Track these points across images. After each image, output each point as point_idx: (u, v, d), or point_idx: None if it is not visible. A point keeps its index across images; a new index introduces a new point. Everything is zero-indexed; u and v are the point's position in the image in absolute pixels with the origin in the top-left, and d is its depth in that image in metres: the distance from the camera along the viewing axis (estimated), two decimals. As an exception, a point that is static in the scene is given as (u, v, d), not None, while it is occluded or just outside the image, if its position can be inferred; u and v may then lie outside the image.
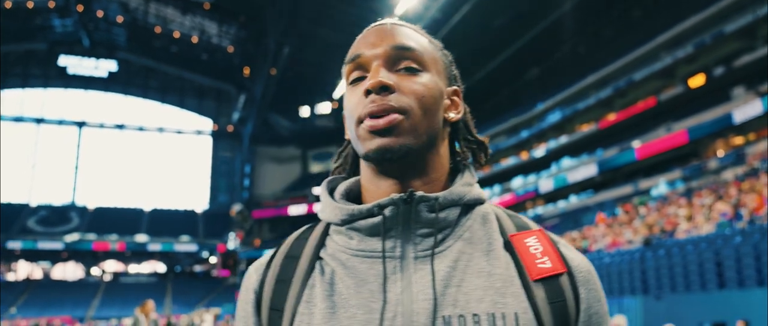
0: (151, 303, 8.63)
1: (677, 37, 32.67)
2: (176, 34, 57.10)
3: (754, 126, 27.92)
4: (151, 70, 62.79)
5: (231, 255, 56.81)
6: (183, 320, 31.58)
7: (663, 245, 14.32)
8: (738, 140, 29.42)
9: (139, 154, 65.08)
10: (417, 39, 0.86)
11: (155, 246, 55.38)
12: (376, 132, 0.78)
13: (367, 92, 0.80)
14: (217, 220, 60.36)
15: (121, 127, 63.91)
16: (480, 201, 0.87)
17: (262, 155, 63.94)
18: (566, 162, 38.98)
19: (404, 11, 36.27)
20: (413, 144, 0.79)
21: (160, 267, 59.86)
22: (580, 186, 37.75)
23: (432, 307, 0.74)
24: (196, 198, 66.12)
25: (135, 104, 64.75)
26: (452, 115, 0.89)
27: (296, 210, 57.93)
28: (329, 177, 0.94)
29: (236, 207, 24.34)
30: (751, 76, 28.22)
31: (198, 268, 60.82)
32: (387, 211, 0.79)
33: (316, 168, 64.90)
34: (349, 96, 0.85)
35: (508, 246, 0.83)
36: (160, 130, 65.39)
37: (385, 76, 0.80)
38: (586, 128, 38.43)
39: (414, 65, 0.83)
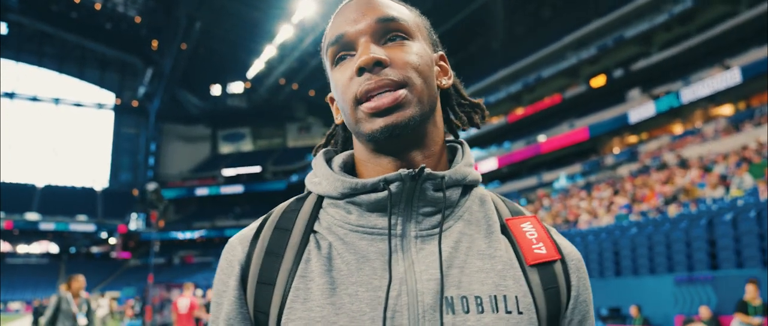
0: (80, 279, 7.16)
1: (582, 39, 34.61)
2: None
3: (647, 126, 30.23)
4: (46, 35, 58.17)
5: (132, 236, 54.31)
6: (52, 300, 29.87)
7: (566, 235, 15.25)
8: (632, 139, 31.74)
9: (32, 125, 60.44)
10: (397, 8, 0.82)
11: (48, 226, 51.88)
12: (379, 112, 0.74)
13: (360, 70, 0.75)
14: (118, 199, 57.37)
15: (11, 95, 58.97)
16: (477, 183, 0.85)
17: (169, 133, 61.42)
18: (475, 153, 40.32)
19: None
20: (419, 115, 0.76)
21: (53, 248, 56.18)
22: (488, 178, 39.25)
23: (437, 287, 0.73)
24: (95, 175, 62.52)
25: (28, 72, 59.92)
26: (444, 82, 0.87)
27: (204, 191, 56.25)
28: (323, 149, 0.91)
29: (151, 186, 23.06)
30: (646, 79, 30.46)
31: (96, 249, 57.61)
32: (393, 187, 0.75)
33: (226, 148, 63.20)
34: (338, 77, 0.79)
35: (505, 230, 0.83)
36: (56, 101, 61.00)
37: (376, 51, 0.76)
38: (496, 121, 39.94)
39: (402, 35, 0.79)
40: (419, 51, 0.79)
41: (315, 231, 0.80)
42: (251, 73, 55.60)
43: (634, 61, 31.35)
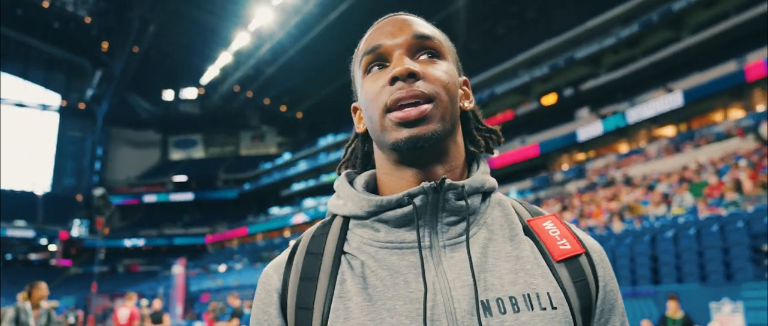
0: (42, 288, 6.41)
1: (535, 58, 35.57)
2: (23, -4, 51.34)
3: (595, 144, 31.22)
4: (-11, 33, 55.77)
5: (74, 243, 52.31)
6: (9, 312, 28.51)
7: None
8: (580, 156, 32.70)
9: (-31, 125, 57.66)
10: (432, 28, 0.87)
11: (-18, 231, 49.47)
12: (406, 123, 0.77)
13: (393, 80, 0.79)
14: (60, 204, 55.19)
15: (-53, 93, 56.16)
16: (494, 190, 0.89)
17: (117, 137, 59.68)
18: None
19: None
20: (441, 130, 0.79)
21: (-13, 255, 53.49)
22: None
23: (472, 293, 0.76)
24: (37, 179, 60.04)
25: (-33, 69, 57.25)
26: (467, 104, 0.91)
27: (152, 198, 54.79)
28: (344, 172, 0.93)
29: (98, 191, 22.35)
30: (594, 99, 31.52)
31: (34, 256, 55.12)
32: (417, 200, 0.79)
33: (176, 155, 61.82)
34: (369, 85, 0.83)
35: (528, 231, 0.86)
36: (-3, 100, 58.41)
37: (410, 64, 0.79)
38: (450, 135, 40.38)
39: (434, 52, 0.84)
40: (448, 70, 0.84)
41: (345, 253, 0.83)
42: (205, 79, 54.69)
43: (583, 81, 32.42)
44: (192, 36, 49.93)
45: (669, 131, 28.60)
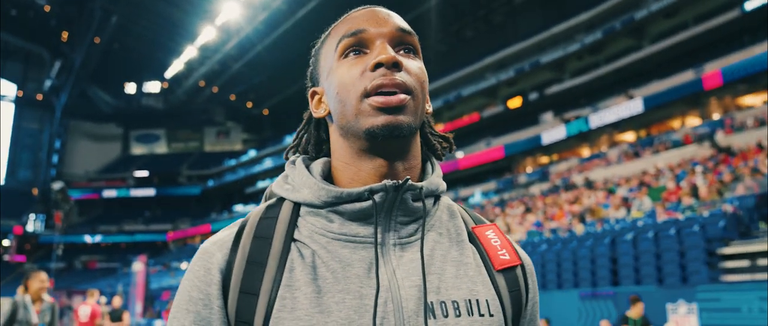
0: (41, 278, 5.46)
1: (501, 61, 36.02)
2: (-21, -18, 49.52)
3: (558, 148, 31.82)
4: (-59, 18, 53.57)
5: (29, 238, 50.69)
6: (4, 306, 27.48)
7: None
8: (544, 159, 33.27)
9: None
10: (409, 28, 0.87)
11: (-69, 225, 47.50)
12: (386, 109, 0.77)
13: (377, 65, 0.78)
14: (15, 198, 53.35)
15: None
16: (443, 193, 0.90)
17: (76, 130, 58.06)
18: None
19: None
20: (414, 124, 0.79)
21: (-64, 249, 51.38)
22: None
23: (419, 294, 0.76)
24: (-10, 171, 57.88)
25: None
26: (428, 108, 0.91)
27: (112, 193, 53.52)
28: (299, 156, 0.91)
29: (56, 185, 21.65)
30: (558, 104, 32.10)
31: (-15, 252, 53.24)
32: (377, 197, 0.78)
33: (138, 149, 60.50)
34: (345, 70, 0.81)
35: (472, 238, 0.88)
36: (-52, 89, 56.17)
37: (395, 54, 0.80)
38: (417, 135, 40.57)
39: (413, 49, 0.85)
40: (422, 68, 0.85)
41: (296, 240, 0.81)
42: (169, 73, 53.65)
43: (548, 86, 32.99)
44: (156, 29, 48.91)
45: (629, 137, 29.34)
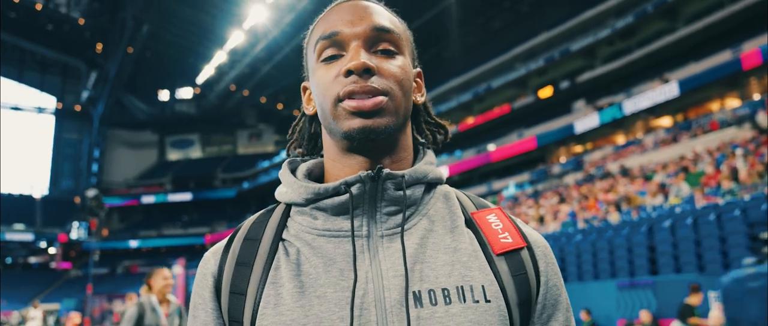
0: (165, 275, 4.82)
1: (531, 51, 35.53)
2: (16, -1, 51.13)
3: (592, 136, 31.24)
4: (-18, 36, 55.55)
5: (74, 245, 52.25)
6: (14, 316, 28.54)
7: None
8: (578, 148, 32.72)
9: (-35, 130, 57.52)
10: (392, 19, 0.86)
11: (-19, 235, 49.37)
12: (360, 113, 0.77)
13: (348, 72, 0.78)
14: (58, 207, 55.06)
15: (-58, 98, 55.97)
16: (440, 181, 0.89)
17: (113, 139, 59.48)
18: (427, 161, 40.66)
19: None
20: (394, 124, 0.79)
21: (-13, 259, 53.39)
22: (439, 185, 39.56)
23: (403, 283, 0.76)
24: (34, 182, 59.91)
25: (-39, 73, 57.07)
26: (419, 98, 0.92)
27: (151, 199, 54.69)
28: (288, 159, 0.93)
29: (90, 193, 22.25)
30: (590, 91, 31.49)
31: (33, 259, 55.04)
32: (354, 189, 0.79)
33: (174, 155, 61.69)
34: (323, 73, 0.82)
35: (470, 223, 0.86)
36: (-7, 104, 58.25)
37: (367, 58, 0.79)
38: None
39: (391, 48, 0.83)
40: (404, 65, 0.83)
41: (283, 239, 0.83)
42: (201, 79, 54.52)
43: (579, 74, 32.39)
44: (186, 35, 49.77)
45: (665, 122, 28.60)
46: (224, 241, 0.86)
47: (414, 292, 0.76)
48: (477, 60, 39.20)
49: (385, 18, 0.84)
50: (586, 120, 29.51)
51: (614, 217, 13.09)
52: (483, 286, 0.78)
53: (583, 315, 10.24)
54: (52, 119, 61.40)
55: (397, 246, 0.79)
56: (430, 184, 0.87)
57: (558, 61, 33.40)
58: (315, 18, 0.92)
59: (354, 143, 0.80)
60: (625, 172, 20.06)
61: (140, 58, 51.02)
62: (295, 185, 0.84)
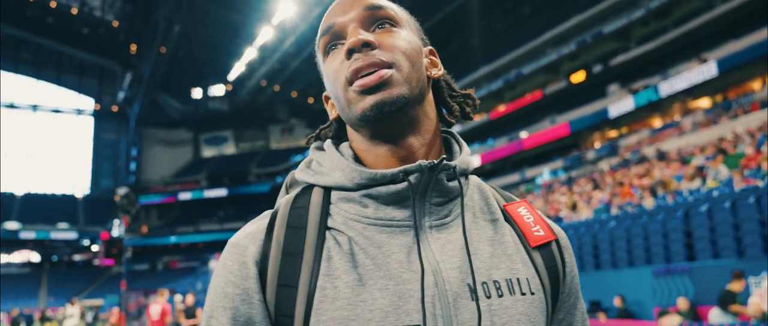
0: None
1: (562, 35, 34.81)
2: (53, 4, 52.51)
3: (627, 120, 30.48)
4: (22, 41, 57.20)
5: (115, 242, 53.69)
6: (60, 312, 29.50)
7: (547, 230, 15.29)
8: (612, 133, 31.96)
9: (10, 133, 59.51)
10: (385, 1, 0.85)
11: (28, 234, 51.05)
12: (368, 90, 0.75)
13: (350, 52, 0.78)
14: (99, 206, 56.65)
15: (-13, 103, 58.04)
16: (472, 172, 0.88)
17: (149, 138, 60.80)
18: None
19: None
20: (408, 94, 0.77)
21: (34, 257, 55.26)
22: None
23: (460, 275, 0.75)
24: (76, 182, 61.72)
25: (4, 79, 58.95)
26: (435, 72, 0.88)
27: (187, 195, 55.76)
28: (327, 140, 0.89)
29: (121, 191, 22.76)
30: (625, 74, 30.70)
31: (78, 257, 56.83)
32: (412, 178, 0.76)
33: (208, 152, 62.69)
34: (329, 64, 0.82)
35: (505, 216, 0.86)
36: (34, 107, 60.08)
37: (364, 34, 0.78)
38: (478, 118, 40.03)
39: (389, 22, 0.82)
40: (407, 37, 0.82)
41: (330, 228, 0.78)
42: (232, 76, 55.21)
43: (612, 56, 31.60)
44: (217, 33, 50.38)
45: (704, 103, 27.68)
46: (262, 227, 0.79)
47: (469, 285, 0.75)
48: (507, 46, 38.63)
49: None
50: (620, 104, 28.79)
51: (649, 203, 12.72)
52: (527, 279, 0.79)
53: (617, 302, 9.99)
54: (91, 120, 63.10)
55: (447, 237, 0.78)
56: (467, 176, 0.86)
57: (590, 44, 32.64)
58: None
59: (372, 124, 0.78)
60: (661, 156, 19.51)
61: (173, 57, 51.90)
62: (347, 168, 0.79)
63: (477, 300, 0.73)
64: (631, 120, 30.44)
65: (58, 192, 59.97)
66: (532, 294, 0.78)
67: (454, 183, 0.79)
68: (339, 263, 0.74)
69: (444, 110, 0.93)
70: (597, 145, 31.46)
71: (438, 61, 0.91)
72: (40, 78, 60.03)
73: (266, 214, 0.82)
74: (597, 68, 32.17)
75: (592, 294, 11.28)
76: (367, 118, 0.76)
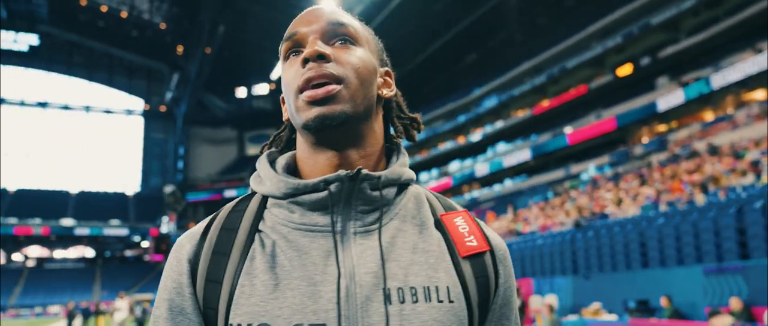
0: None
1: (607, 28, 33.90)
2: (103, 8, 54.35)
3: (676, 114, 29.48)
4: (76, 45, 59.50)
5: (164, 239, 55.25)
6: (111, 306, 30.50)
7: (592, 227, 14.93)
8: (661, 127, 30.99)
9: (65, 133, 61.94)
10: (349, 19, 0.90)
11: (83, 231, 53.06)
12: (315, 102, 0.80)
13: (305, 61, 0.82)
14: (149, 203, 58.40)
15: (43, 104, 60.48)
16: (411, 182, 0.91)
17: (196, 136, 62.28)
18: (501, 146, 39.93)
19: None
20: (351, 111, 0.81)
21: (89, 253, 57.47)
22: (515, 171, 38.80)
23: (374, 280, 0.78)
24: (127, 180, 63.78)
25: (59, 81, 61.43)
26: (386, 92, 0.92)
27: (232, 193, 56.87)
28: (267, 151, 0.95)
29: (168, 189, 23.49)
30: (674, 66, 29.69)
31: (129, 253, 58.77)
32: (333, 187, 0.81)
33: (252, 150, 63.79)
34: (287, 70, 0.86)
35: (439, 225, 0.89)
36: (87, 108, 62.37)
37: (322, 47, 0.82)
38: (521, 114, 39.44)
39: (348, 39, 0.86)
40: (362, 56, 0.86)
41: (260, 231, 0.85)
42: (275, 75, 55.98)
43: (661, 48, 30.57)
44: (260, 33, 51.13)
45: (759, 94, 26.51)
46: (200, 228, 0.87)
47: (383, 289, 0.78)
48: (550, 41, 37.89)
49: (342, 16, 0.88)
50: (669, 97, 27.86)
51: (700, 199, 12.27)
52: (448, 287, 0.81)
53: (664, 302, 9.67)
54: (141, 120, 65.03)
55: (369, 244, 0.82)
56: (402, 185, 0.89)
57: (637, 36, 31.68)
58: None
59: (313, 133, 0.82)
60: (713, 151, 18.80)
61: (218, 57, 52.98)
62: (274, 179, 0.85)
63: (388, 304, 0.77)
64: (681, 113, 29.42)
65: (110, 190, 62.10)
66: (451, 302, 0.80)
67: (377, 193, 0.82)
68: (260, 263, 0.80)
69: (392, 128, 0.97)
70: (645, 139, 30.56)
71: (392, 82, 0.96)
72: (93, 80, 62.24)
73: (210, 216, 0.89)
74: (645, 61, 31.20)
75: (638, 294, 10.96)
76: (309, 127, 0.81)
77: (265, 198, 0.88)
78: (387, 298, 0.78)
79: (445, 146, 45.75)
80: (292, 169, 0.90)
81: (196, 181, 59.34)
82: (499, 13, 42.10)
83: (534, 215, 22.66)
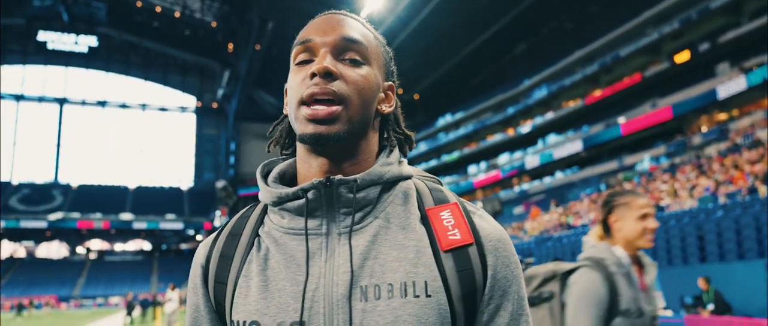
0: (638, 203, 1.85)
1: (663, 13, 32.57)
2: (158, 9, 56.00)
3: (738, 102, 28.09)
4: (132, 45, 61.66)
5: (217, 232, 56.66)
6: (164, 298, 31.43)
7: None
8: (721, 116, 29.60)
9: (123, 131, 64.29)
10: (364, 33, 0.92)
11: (140, 225, 55.01)
12: (314, 120, 0.83)
13: (313, 75, 0.85)
14: (202, 198, 60.00)
15: (103, 103, 62.96)
16: (402, 178, 0.92)
17: (247, 132, 63.50)
18: (552, 138, 39.06)
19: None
20: (346, 132, 0.84)
21: (146, 246, 59.57)
22: (566, 163, 37.89)
23: (350, 279, 0.82)
24: (181, 175, 65.68)
25: (117, 80, 63.76)
26: (385, 108, 0.95)
27: (282, 187, 57.82)
28: (265, 161, 0.99)
29: (220, 184, 24.08)
30: (735, 52, 28.26)
31: (184, 246, 60.60)
32: (310, 194, 0.86)
33: (302, 145, 64.63)
34: (294, 76, 0.89)
35: (424, 220, 0.90)
36: (143, 106, 64.55)
37: (331, 63, 0.85)
38: (572, 104, 38.44)
39: (357, 57, 0.89)
40: (368, 75, 0.89)
41: (259, 235, 0.92)
42: (322, 70, 56.46)
43: (721, 33, 29.13)
44: (307, 29, 51.57)
45: (830, 80, 24.96)
46: (214, 234, 0.97)
47: (361, 287, 0.82)
48: (602, 29, 36.70)
49: (356, 31, 0.91)
50: (730, 84, 26.57)
51: (762, 191, 11.62)
52: (426, 282, 0.83)
53: (702, 284, 9.24)
54: (194, 117, 66.80)
55: (353, 243, 0.86)
56: (391, 183, 0.91)
57: (696, 21, 30.28)
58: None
59: (306, 144, 0.87)
60: (778, 139, 17.81)
61: (267, 54, 53.74)
62: (264, 189, 0.92)
63: (364, 301, 0.81)
64: (743, 101, 28.00)
65: (166, 185, 64.10)
66: (429, 296, 0.82)
67: (359, 194, 0.86)
68: (255, 266, 0.87)
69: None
70: (704, 129, 29.27)
71: (393, 96, 0.98)
72: (148, 79, 64.34)
73: (224, 222, 0.97)
74: (704, 46, 29.80)
75: (695, 289, 10.46)
76: (304, 141, 0.86)
77: (266, 205, 0.95)
78: (364, 295, 0.81)
79: (494, 138, 45.09)
80: (290, 176, 0.96)
81: (246, 176, 60.54)
82: (549, 1, 41.09)
83: (586, 208, 22.04)
